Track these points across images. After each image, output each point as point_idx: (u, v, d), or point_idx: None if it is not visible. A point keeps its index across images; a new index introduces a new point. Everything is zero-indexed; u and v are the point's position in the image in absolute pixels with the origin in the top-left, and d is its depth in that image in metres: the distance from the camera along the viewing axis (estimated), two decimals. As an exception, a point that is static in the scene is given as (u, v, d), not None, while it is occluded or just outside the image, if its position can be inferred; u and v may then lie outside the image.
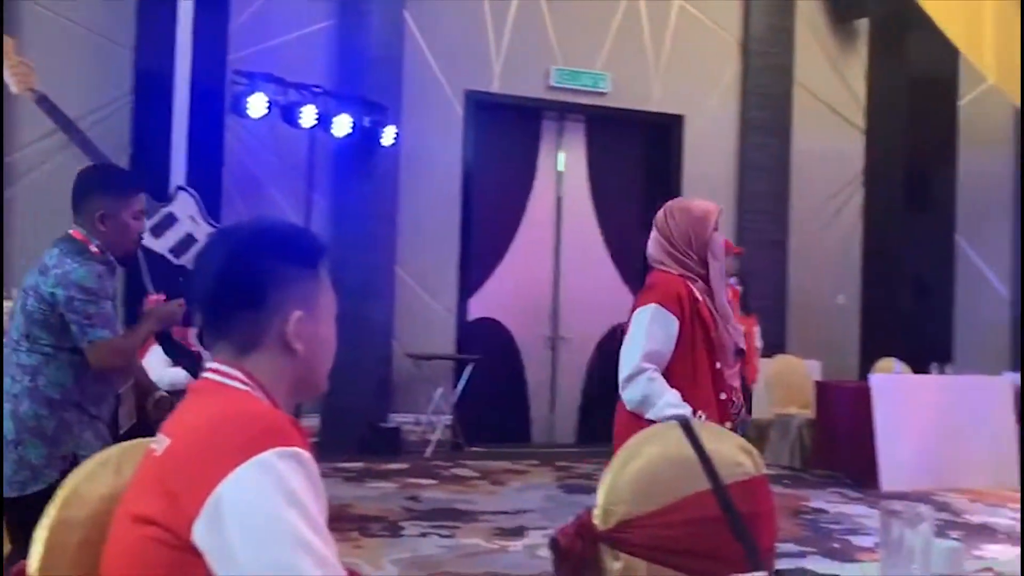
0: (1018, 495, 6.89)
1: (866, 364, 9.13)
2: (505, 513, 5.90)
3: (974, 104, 9.91)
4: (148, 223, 5.63)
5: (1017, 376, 7.99)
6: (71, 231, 2.81)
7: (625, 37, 9.40)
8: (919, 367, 8.25)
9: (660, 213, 3.15)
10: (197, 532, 1.14)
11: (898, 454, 7.12)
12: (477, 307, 9.09)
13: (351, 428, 7.86)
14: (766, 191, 9.74)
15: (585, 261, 9.50)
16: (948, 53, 8.91)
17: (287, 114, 7.47)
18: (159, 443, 1.26)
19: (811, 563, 4.71)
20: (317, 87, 7.74)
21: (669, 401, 2.88)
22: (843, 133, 10.27)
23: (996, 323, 9.47)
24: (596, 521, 1.85)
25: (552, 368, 9.42)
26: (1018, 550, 5.12)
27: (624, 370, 2.96)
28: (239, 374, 1.29)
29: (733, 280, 6.69)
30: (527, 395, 9.33)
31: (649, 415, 2.91)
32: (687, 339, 2.98)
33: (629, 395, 2.93)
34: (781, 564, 4.61)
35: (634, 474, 1.89)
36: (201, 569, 1.14)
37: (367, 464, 7.34)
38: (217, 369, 1.30)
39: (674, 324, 2.95)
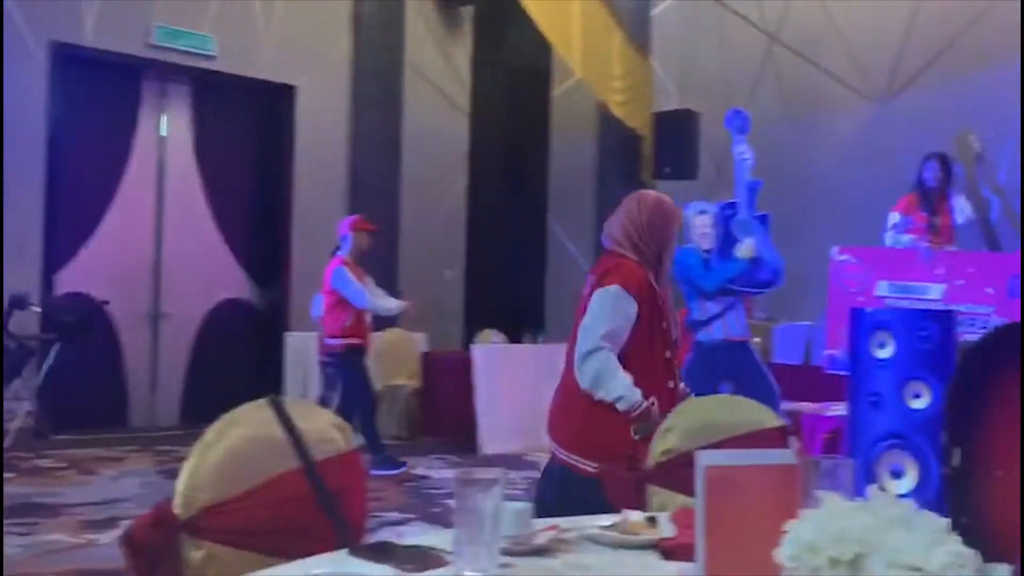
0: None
1: (469, 335, 9.64)
2: (95, 504, 5.47)
3: (564, 95, 10.78)
4: None
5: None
6: None
7: (234, 1, 9.04)
8: (516, 337, 8.85)
9: (633, 199, 3.17)
10: None
11: (496, 419, 7.60)
12: (66, 281, 8.30)
13: (-93, 420, 6.82)
14: (378, 167, 9.89)
15: (190, 232, 9.04)
16: (543, 46, 9.60)
17: None
18: None
19: (411, 529, 4.89)
20: None
21: (623, 382, 2.95)
22: (450, 115, 10.70)
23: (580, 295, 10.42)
24: (177, 510, 1.74)
25: (153, 346, 8.88)
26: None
27: (582, 347, 2.98)
28: None
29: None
30: (125, 376, 8.72)
31: (600, 394, 2.96)
32: (644, 327, 3.01)
33: (583, 371, 2.97)
34: (383, 532, 4.74)
35: (218, 458, 1.80)
36: None
37: (-72, 460, 6.43)
38: None
39: (634, 308, 2.99)
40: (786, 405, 5.54)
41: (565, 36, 8.76)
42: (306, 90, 9.53)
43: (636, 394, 2.98)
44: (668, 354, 3.13)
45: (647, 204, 3.17)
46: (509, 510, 1.50)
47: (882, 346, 4.63)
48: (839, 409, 5.45)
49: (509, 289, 10.57)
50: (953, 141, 7.44)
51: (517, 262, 10.76)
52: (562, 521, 1.69)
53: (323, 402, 7.27)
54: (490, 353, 8.04)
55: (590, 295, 3.07)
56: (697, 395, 3.56)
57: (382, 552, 1.49)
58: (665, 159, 9.50)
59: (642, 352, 3.05)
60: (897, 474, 5.07)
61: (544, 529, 1.60)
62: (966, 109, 8.05)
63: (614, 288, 3.01)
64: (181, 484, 1.76)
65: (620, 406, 2.99)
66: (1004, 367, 1.29)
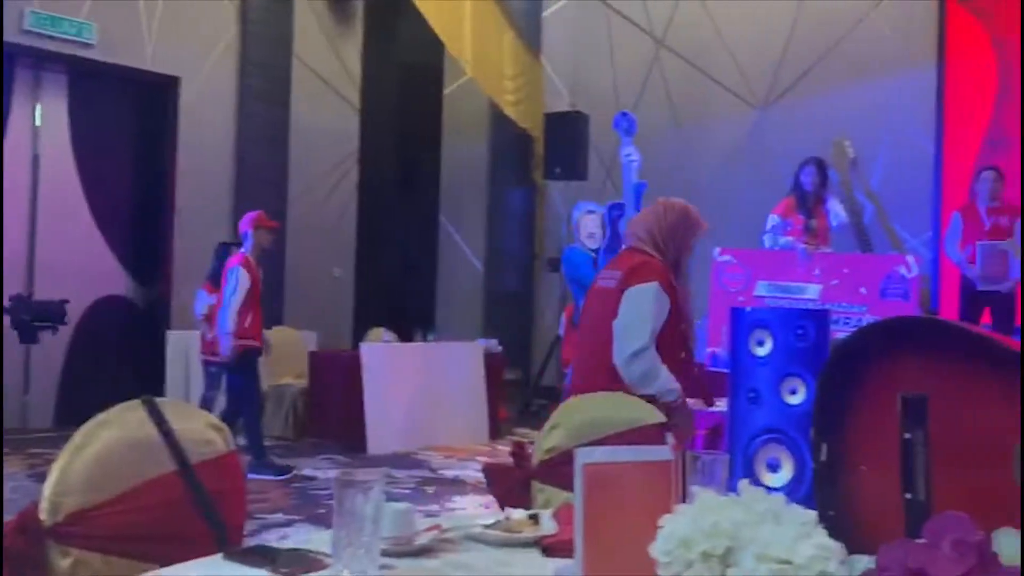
0: (486, 448, 7.69)
1: (359, 334, 9.53)
2: (-41, 511, 5.19)
3: (456, 93, 10.78)
4: None
5: (488, 342, 8.89)
6: None
7: (114, -13, 8.72)
8: (406, 335, 8.80)
9: (661, 204, 3.30)
10: None
11: (384, 418, 7.54)
12: (-71, 276, 7.87)
13: None
14: (266, 162, 9.69)
15: (66, 226, 8.68)
16: (435, 43, 9.58)
17: None
18: None
19: (296, 530, 4.81)
20: None
21: (668, 377, 3.09)
22: (340, 110, 10.57)
23: (472, 294, 10.45)
24: (43, 515, 1.66)
25: (27, 344, 8.47)
26: (482, 499, 5.70)
27: (632, 344, 3.06)
28: None
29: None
30: (-6, 376, 8.30)
31: (648, 390, 3.04)
32: (668, 326, 3.12)
33: (634, 368, 3.06)
34: (268, 535, 4.65)
35: (88, 461, 1.73)
36: None
37: None
38: None
39: (668, 306, 3.12)
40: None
41: (456, 34, 8.76)
42: (190, 82, 9.26)
43: (679, 387, 3.13)
44: (683, 354, 3.25)
45: (674, 209, 3.29)
46: (390, 511, 1.49)
47: (760, 344, 4.78)
48: (720, 405, 5.61)
49: (400, 287, 10.52)
50: (829, 147, 7.74)
51: (408, 260, 10.72)
52: (444, 521, 1.69)
53: (206, 402, 7.10)
54: (379, 352, 7.97)
55: (620, 290, 3.15)
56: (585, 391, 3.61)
57: (259, 556, 1.45)
58: (556, 160, 9.60)
59: (663, 350, 3.14)
60: (774, 467, 5.24)
61: (426, 529, 1.59)
62: (842, 117, 8.39)
63: (655, 285, 3.11)
64: (48, 488, 1.69)
65: (668, 398, 3.11)
66: (869, 365, 1.34)
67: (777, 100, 9.11)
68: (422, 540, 1.54)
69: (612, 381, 3.12)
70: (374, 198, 10.67)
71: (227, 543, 1.77)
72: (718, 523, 1.11)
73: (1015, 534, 1.13)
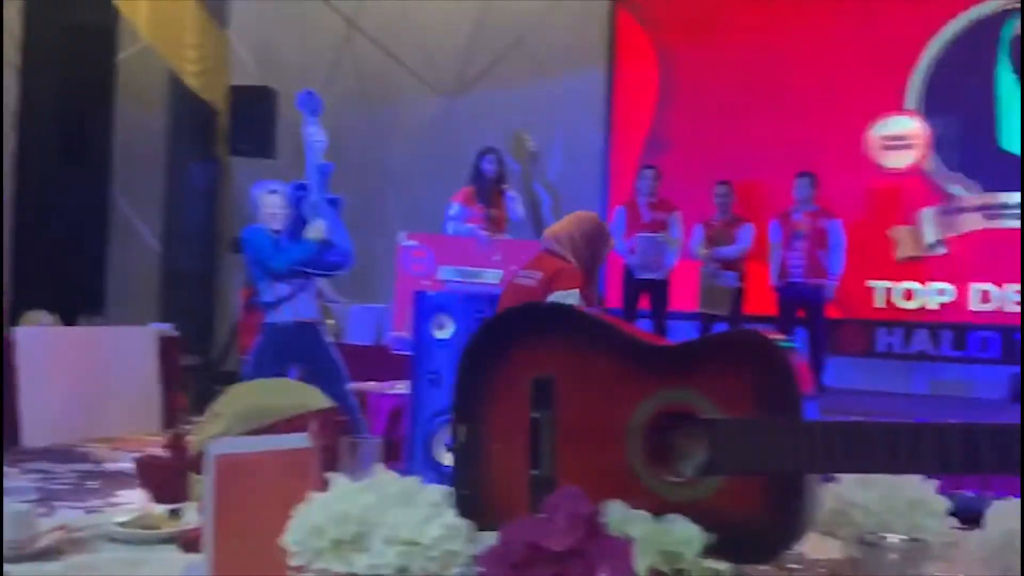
0: (159, 438, 7.29)
1: (15, 317, 8.67)
2: None
3: (133, 60, 10.06)
4: None
5: (163, 326, 8.41)
6: None
7: None
8: (70, 319, 8.14)
9: (575, 216, 3.69)
10: None
11: (42, 408, 6.92)
12: None
13: None
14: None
15: None
16: (108, 5, 8.88)
17: None
18: None
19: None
20: None
21: None
22: (-5, 68, 9.51)
23: (147, 275, 9.84)
24: None
25: None
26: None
27: None
28: None
29: None
30: None
31: None
32: None
33: None
34: None
35: None
36: None
37: None
38: None
39: None
40: (353, 385, 5.67)
41: (131, -2, 8.17)
42: None
43: None
44: None
45: (591, 219, 3.70)
46: (5, 512, 1.36)
47: (441, 327, 4.89)
48: (402, 387, 5.69)
49: (64, 266, 9.66)
50: (511, 139, 8.09)
51: (74, 236, 9.86)
52: (74, 520, 1.57)
53: None
54: (36, 336, 7.30)
55: (542, 291, 3.44)
56: (262, 377, 3.53)
57: None
58: (242, 136, 9.24)
59: None
60: (452, 447, 5.41)
61: (51, 530, 1.47)
62: (525, 110, 8.80)
63: (576, 292, 3.46)
64: None
65: None
66: (504, 349, 1.40)
67: (464, 90, 9.37)
68: (44, 542, 1.42)
69: None
70: (35, 167, 9.70)
71: None
72: (348, 509, 1.11)
73: (622, 505, 1.23)
